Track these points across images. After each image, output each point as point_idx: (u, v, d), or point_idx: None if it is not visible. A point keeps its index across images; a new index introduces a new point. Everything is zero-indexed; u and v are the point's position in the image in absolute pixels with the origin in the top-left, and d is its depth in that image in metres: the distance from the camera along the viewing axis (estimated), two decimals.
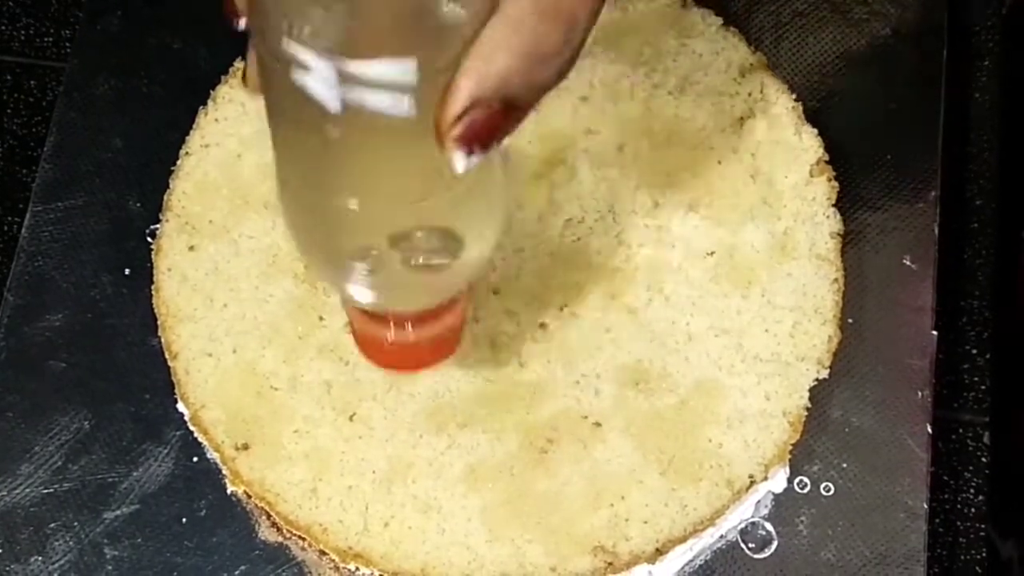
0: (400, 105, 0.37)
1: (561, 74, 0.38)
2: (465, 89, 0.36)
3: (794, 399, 0.62)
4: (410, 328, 0.52)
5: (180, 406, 0.64)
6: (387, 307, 0.50)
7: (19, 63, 0.79)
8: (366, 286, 0.46)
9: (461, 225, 0.44)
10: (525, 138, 0.67)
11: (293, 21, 0.36)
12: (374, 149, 0.40)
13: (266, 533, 0.63)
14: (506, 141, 0.39)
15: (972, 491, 0.69)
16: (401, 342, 0.53)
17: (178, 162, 0.67)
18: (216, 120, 0.68)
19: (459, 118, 0.37)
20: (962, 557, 0.68)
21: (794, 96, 0.68)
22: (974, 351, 0.71)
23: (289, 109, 0.39)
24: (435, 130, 0.37)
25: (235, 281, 0.64)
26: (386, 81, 0.36)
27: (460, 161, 0.38)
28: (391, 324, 0.52)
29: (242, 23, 0.39)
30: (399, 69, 0.36)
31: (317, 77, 0.36)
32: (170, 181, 0.67)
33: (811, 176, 0.66)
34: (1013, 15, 0.77)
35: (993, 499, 0.68)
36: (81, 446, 0.65)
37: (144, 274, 0.66)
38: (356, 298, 0.48)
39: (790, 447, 0.62)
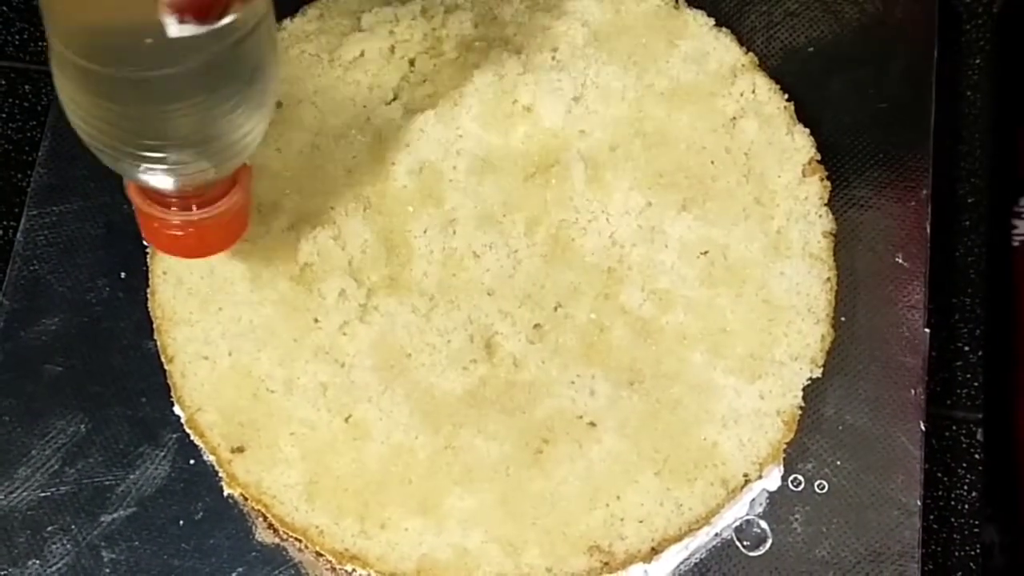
0: None
1: None
2: None
3: (788, 398, 0.62)
4: (194, 208, 0.54)
5: (176, 409, 0.64)
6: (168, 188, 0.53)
7: (14, 67, 0.79)
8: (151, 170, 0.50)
9: (224, 99, 0.48)
10: (518, 139, 0.67)
11: None
12: (104, 10, 0.44)
13: (263, 535, 0.63)
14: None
15: (966, 488, 0.69)
16: (187, 223, 0.55)
17: None
18: None
19: None
20: (956, 554, 0.68)
21: (786, 96, 0.68)
22: (967, 348, 0.71)
23: None
24: None
25: (230, 284, 0.64)
26: None
27: (173, 26, 0.42)
28: (176, 208, 0.54)
29: None
30: None
31: None
32: None
33: (803, 175, 0.66)
34: (1004, 13, 0.77)
35: (986, 488, 0.69)
36: (78, 449, 0.65)
37: (140, 277, 0.67)
38: (142, 180, 0.51)
39: (784, 446, 0.62)
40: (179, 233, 0.56)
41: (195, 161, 0.50)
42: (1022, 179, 0.75)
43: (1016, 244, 0.73)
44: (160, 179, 0.51)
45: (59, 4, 0.45)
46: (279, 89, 0.52)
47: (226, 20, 0.43)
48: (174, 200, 0.54)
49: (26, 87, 0.78)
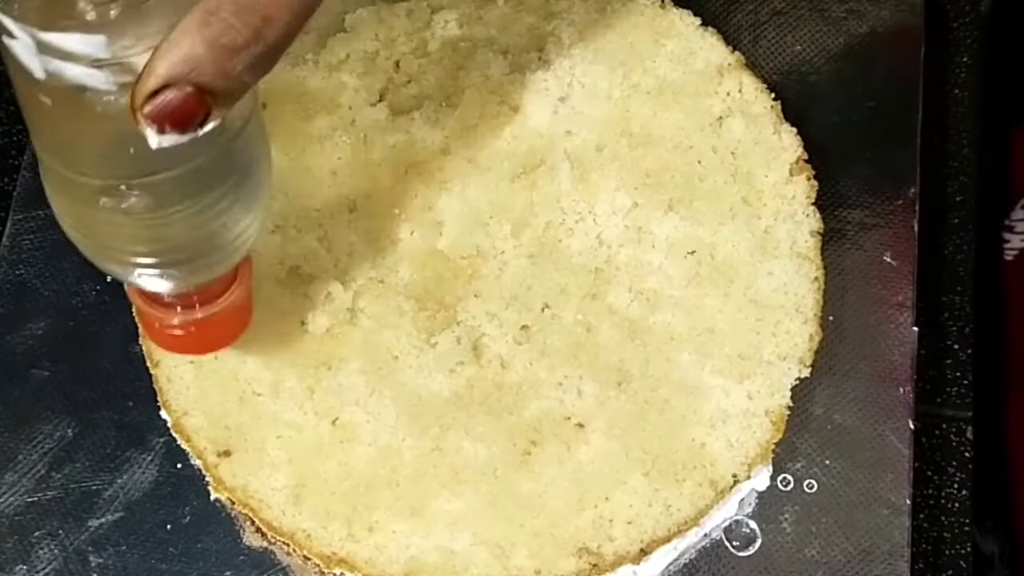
0: (96, 78, 0.40)
1: (255, 68, 0.40)
2: (156, 69, 0.39)
3: (776, 398, 0.62)
4: (197, 308, 0.53)
5: (163, 413, 0.64)
6: (165, 289, 0.51)
7: None
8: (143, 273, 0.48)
9: (217, 198, 0.46)
10: (505, 139, 0.67)
11: None
12: (85, 122, 0.42)
13: (251, 538, 0.63)
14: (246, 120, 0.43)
15: (956, 486, 0.69)
16: (188, 323, 0.54)
17: None
18: None
19: (152, 97, 0.39)
20: (946, 552, 0.68)
21: (773, 95, 0.68)
22: (956, 346, 0.71)
23: (14, 74, 0.42)
24: (129, 106, 0.39)
25: None
26: (79, 54, 0.39)
27: (153, 138, 0.40)
28: (177, 307, 0.53)
29: None
30: (90, 43, 0.39)
31: (20, 44, 0.39)
32: None
33: (791, 175, 0.66)
34: (991, 11, 0.77)
35: (975, 496, 0.69)
36: (65, 454, 0.64)
37: None
38: (138, 283, 0.50)
39: (773, 445, 0.62)
40: (180, 332, 0.54)
41: (190, 264, 0.49)
42: (1013, 191, 0.75)
43: (1009, 259, 0.73)
44: (157, 283, 0.50)
45: (43, 118, 0.44)
46: (271, 182, 0.50)
47: (209, 127, 0.41)
48: (175, 300, 0.53)
49: (11, 91, 0.78)
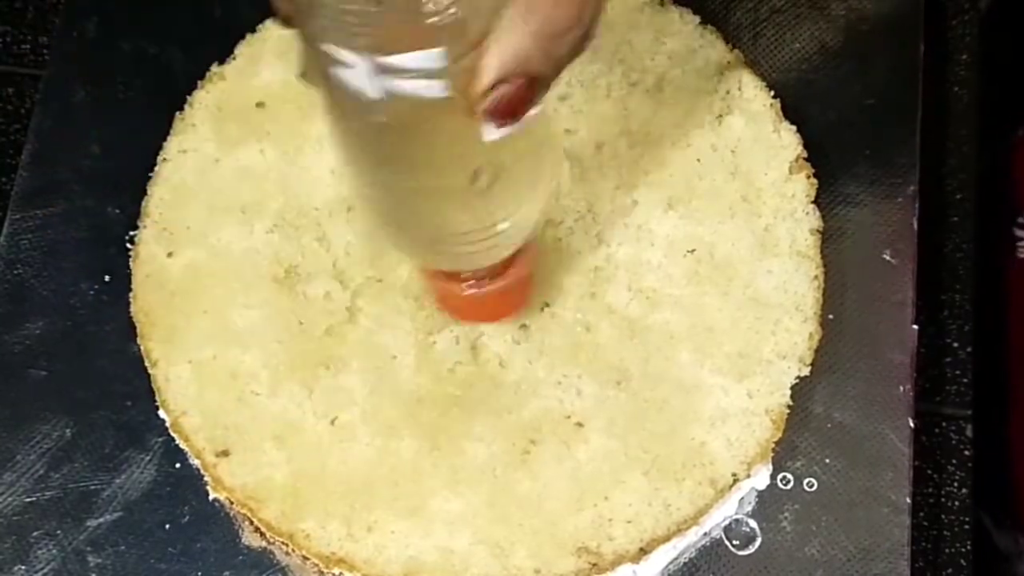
0: (433, 88, 0.42)
1: (576, 49, 0.43)
2: (490, 68, 0.41)
3: (776, 397, 0.62)
4: (486, 282, 0.57)
5: (161, 413, 0.64)
6: (464, 268, 0.56)
7: None
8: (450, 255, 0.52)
9: (513, 187, 0.49)
10: None
11: (330, 25, 0.40)
12: (419, 129, 0.44)
13: (250, 538, 0.63)
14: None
15: (956, 484, 0.69)
16: (478, 295, 0.57)
17: (156, 168, 0.67)
18: (193, 125, 0.68)
19: (487, 93, 0.41)
20: (946, 550, 0.68)
21: (772, 93, 0.68)
22: (955, 344, 0.71)
23: (341, 99, 0.43)
24: (467, 106, 0.42)
25: (214, 287, 0.64)
26: (418, 69, 0.41)
27: (492, 132, 0.42)
28: (467, 281, 0.57)
29: (288, 25, 0.42)
30: (428, 58, 0.41)
31: (357, 72, 0.41)
32: (148, 187, 0.67)
33: (790, 173, 0.66)
34: (990, 8, 0.77)
35: (982, 491, 0.69)
36: (63, 454, 0.64)
37: (124, 281, 0.66)
38: (440, 266, 0.55)
39: (773, 444, 0.62)
40: (466, 303, 0.59)
41: (487, 244, 0.52)
42: (1015, 189, 0.75)
43: (1022, 256, 0.73)
44: (454, 262, 0.55)
45: (372, 137, 0.45)
46: (554, 171, 0.53)
47: (534, 111, 0.43)
48: (467, 275, 0.57)
49: (9, 90, 0.78)
